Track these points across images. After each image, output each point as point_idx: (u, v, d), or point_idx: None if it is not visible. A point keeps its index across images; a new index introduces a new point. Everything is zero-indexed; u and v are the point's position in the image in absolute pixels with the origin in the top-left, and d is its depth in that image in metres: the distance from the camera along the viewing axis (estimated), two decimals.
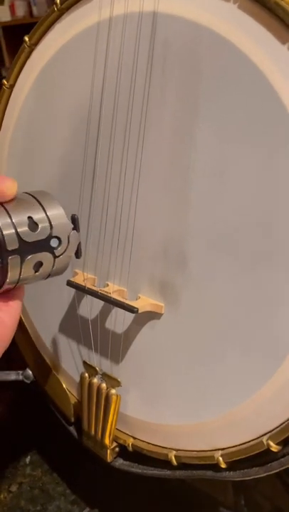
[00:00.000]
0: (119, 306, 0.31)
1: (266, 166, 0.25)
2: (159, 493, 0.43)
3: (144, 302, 0.32)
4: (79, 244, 0.28)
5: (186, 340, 0.31)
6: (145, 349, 0.33)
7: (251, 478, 0.29)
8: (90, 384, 0.35)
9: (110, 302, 0.32)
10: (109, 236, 0.33)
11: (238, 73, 0.25)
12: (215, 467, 0.31)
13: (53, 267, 0.26)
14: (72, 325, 0.37)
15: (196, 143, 0.27)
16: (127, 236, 0.32)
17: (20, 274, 0.25)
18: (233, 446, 0.30)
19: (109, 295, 0.32)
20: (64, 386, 0.40)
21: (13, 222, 0.24)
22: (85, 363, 0.36)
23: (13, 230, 0.24)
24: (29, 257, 0.25)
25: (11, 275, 0.25)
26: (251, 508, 0.41)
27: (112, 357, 0.35)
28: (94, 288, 0.33)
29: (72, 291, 0.36)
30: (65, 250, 0.27)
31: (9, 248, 0.24)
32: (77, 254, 0.28)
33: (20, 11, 2.17)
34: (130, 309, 0.31)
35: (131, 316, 0.33)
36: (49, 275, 0.27)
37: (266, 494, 0.43)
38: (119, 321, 0.34)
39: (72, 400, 0.39)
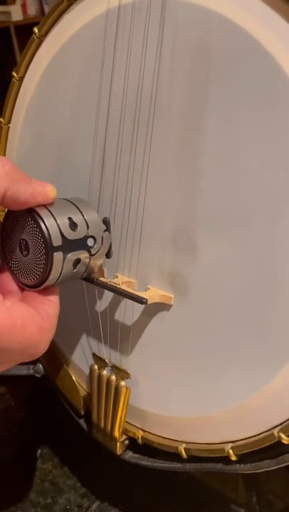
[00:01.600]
0: (129, 297, 0.31)
1: (276, 150, 0.24)
2: (169, 489, 0.42)
3: (153, 293, 0.31)
4: (110, 245, 0.31)
5: (195, 331, 0.31)
6: (155, 341, 0.33)
7: (262, 470, 0.29)
8: (100, 376, 0.35)
9: (119, 293, 0.32)
10: (118, 228, 0.33)
11: (248, 59, 0.25)
12: (225, 460, 0.30)
13: (88, 265, 0.29)
14: (82, 317, 0.37)
15: (205, 130, 0.27)
16: (136, 227, 0.32)
17: (61, 271, 0.27)
18: (244, 439, 0.29)
19: (118, 286, 0.32)
20: (74, 379, 0.40)
21: (56, 222, 0.27)
22: (94, 355, 0.36)
23: (57, 229, 0.27)
24: (70, 254, 0.28)
25: (54, 271, 0.27)
26: (263, 506, 0.41)
27: (122, 349, 0.35)
28: (103, 280, 0.33)
29: (82, 283, 0.36)
30: (98, 249, 0.30)
31: (54, 244, 0.27)
32: (108, 254, 0.31)
33: (32, 10, 2.19)
34: (139, 300, 0.31)
35: (140, 307, 0.33)
36: (83, 274, 0.30)
37: (278, 492, 0.42)
38: (128, 313, 0.34)
39: (82, 393, 0.39)
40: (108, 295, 0.34)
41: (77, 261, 0.28)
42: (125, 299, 0.33)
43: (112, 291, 0.32)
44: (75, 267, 0.28)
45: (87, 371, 0.38)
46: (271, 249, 0.26)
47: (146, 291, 0.32)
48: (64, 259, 0.27)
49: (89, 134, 0.33)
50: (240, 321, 0.28)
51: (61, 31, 0.33)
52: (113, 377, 0.34)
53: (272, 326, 0.27)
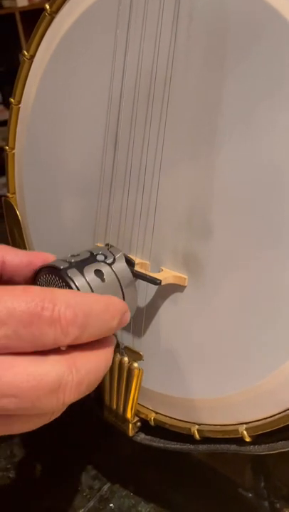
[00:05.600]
0: (142, 278, 0.31)
1: None
2: (178, 473, 0.42)
3: (167, 274, 0.31)
4: (124, 255, 0.30)
5: (209, 312, 0.30)
6: (167, 322, 0.33)
7: (277, 451, 0.29)
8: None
9: (133, 274, 0.31)
10: (131, 208, 0.33)
11: (267, 30, 0.24)
12: (239, 441, 0.30)
13: (115, 275, 0.29)
14: None
15: (222, 106, 0.26)
16: (149, 208, 0.32)
17: (88, 283, 0.27)
18: (258, 420, 0.29)
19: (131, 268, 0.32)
20: None
21: (61, 259, 0.28)
22: None
23: (61, 260, 0.27)
24: (85, 268, 0.27)
25: (80, 284, 0.26)
26: (270, 491, 0.41)
27: (134, 331, 0.35)
28: None
29: None
30: (114, 260, 0.29)
31: (62, 267, 0.26)
32: (130, 262, 0.30)
33: None
34: (153, 281, 0.30)
35: (153, 289, 0.33)
36: (121, 286, 0.29)
37: (284, 479, 0.42)
38: (141, 295, 0.34)
39: None
40: None
41: (99, 272, 0.28)
42: (138, 281, 0.33)
43: None
44: (102, 279, 0.28)
45: None
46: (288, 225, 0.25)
47: (159, 272, 0.32)
48: (81, 272, 0.27)
49: (102, 112, 0.32)
50: (255, 302, 0.28)
51: (73, 7, 0.33)
52: (126, 359, 0.34)
53: (287, 307, 0.27)
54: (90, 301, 0.23)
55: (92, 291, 0.27)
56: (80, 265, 0.27)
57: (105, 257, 0.29)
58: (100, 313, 0.23)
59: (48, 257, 0.28)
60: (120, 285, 0.29)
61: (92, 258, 0.28)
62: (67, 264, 0.27)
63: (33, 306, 0.20)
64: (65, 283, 0.26)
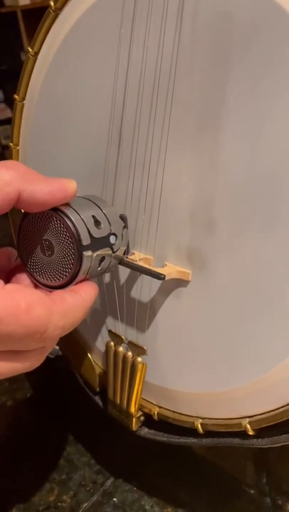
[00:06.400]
0: (146, 273, 0.31)
1: None
2: (181, 468, 0.43)
3: (170, 269, 0.31)
4: (128, 243, 0.30)
5: (213, 307, 0.30)
6: (171, 317, 0.33)
7: (280, 445, 0.29)
8: (116, 353, 0.35)
9: (137, 269, 0.32)
10: (135, 205, 0.33)
11: (272, 27, 0.24)
12: (242, 434, 0.30)
13: (110, 262, 0.29)
14: (98, 294, 0.37)
15: (227, 102, 0.27)
16: (153, 204, 0.32)
17: (89, 270, 0.27)
18: (262, 414, 0.29)
19: (135, 263, 0.32)
20: (89, 356, 0.40)
21: (83, 220, 0.26)
22: (110, 332, 0.36)
23: (84, 227, 0.26)
24: (97, 252, 0.27)
25: (83, 271, 0.27)
26: (272, 488, 0.41)
27: (138, 325, 0.35)
28: None
29: None
30: (119, 247, 0.29)
31: (84, 243, 0.26)
32: (127, 252, 0.31)
33: None
34: (157, 276, 0.30)
35: (157, 284, 0.33)
36: (104, 272, 0.29)
37: (285, 476, 0.42)
38: (145, 290, 0.34)
39: (98, 370, 0.39)
40: (125, 272, 0.34)
41: (102, 259, 0.28)
42: (142, 276, 0.33)
43: (129, 268, 0.32)
44: (99, 265, 0.28)
45: (102, 348, 0.38)
46: None
47: (163, 267, 0.32)
48: (92, 257, 0.27)
49: (107, 107, 0.32)
50: (259, 296, 0.28)
51: (77, 3, 0.33)
52: (129, 354, 0.35)
53: None
54: (77, 318, 0.26)
55: (87, 272, 0.27)
56: (96, 246, 0.27)
57: (114, 243, 0.29)
58: (76, 324, 0.26)
59: (66, 193, 0.26)
60: (102, 274, 0.30)
61: (107, 238, 0.28)
62: (88, 241, 0.26)
63: (31, 332, 0.23)
64: (74, 255, 0.26)
